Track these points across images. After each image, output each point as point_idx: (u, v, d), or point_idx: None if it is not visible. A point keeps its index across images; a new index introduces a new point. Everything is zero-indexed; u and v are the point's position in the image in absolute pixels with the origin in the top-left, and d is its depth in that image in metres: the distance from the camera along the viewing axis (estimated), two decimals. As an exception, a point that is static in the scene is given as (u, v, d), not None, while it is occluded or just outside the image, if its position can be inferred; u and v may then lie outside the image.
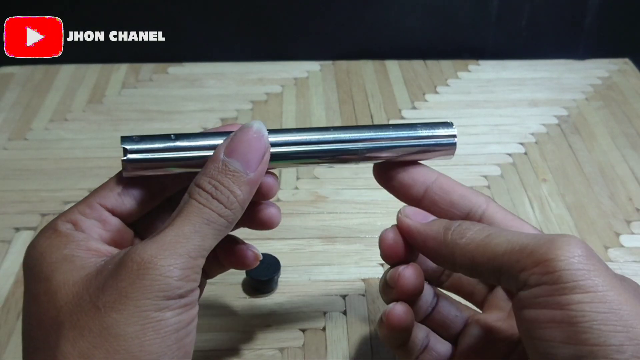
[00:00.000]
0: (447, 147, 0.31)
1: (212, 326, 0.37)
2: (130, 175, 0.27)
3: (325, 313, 0.38)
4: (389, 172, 0.31)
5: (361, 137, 0.30)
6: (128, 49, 0.61)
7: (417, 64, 0.62)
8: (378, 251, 0.42)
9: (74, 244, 0.25)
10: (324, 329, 0.37)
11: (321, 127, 0.30)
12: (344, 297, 0.39)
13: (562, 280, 0.23)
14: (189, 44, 0.62)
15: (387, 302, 0.30)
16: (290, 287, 0.40)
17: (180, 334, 0.24)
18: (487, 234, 0.26)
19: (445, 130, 0.31)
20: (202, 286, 0.32)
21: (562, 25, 0.62)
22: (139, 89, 0.58)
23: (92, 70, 0.60)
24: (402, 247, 0.29)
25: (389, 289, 0.30)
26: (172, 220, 0.25)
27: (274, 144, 0.28)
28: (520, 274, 0.24)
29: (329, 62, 0.62)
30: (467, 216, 0.29)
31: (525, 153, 0.51)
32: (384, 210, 0.45)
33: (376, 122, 0.54)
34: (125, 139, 0.27)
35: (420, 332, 0.31)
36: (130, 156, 0.26)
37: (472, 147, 0.52)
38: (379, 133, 0.30)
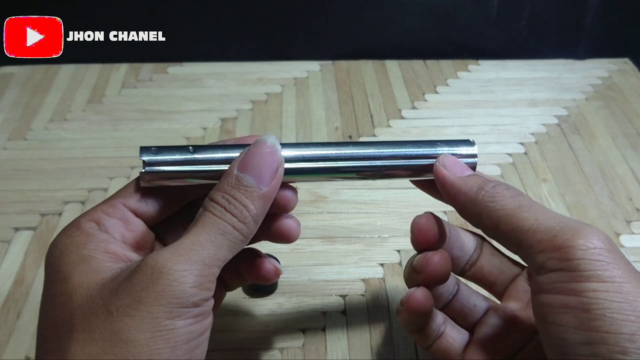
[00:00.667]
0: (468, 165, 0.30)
1: (212, 326, 0.37)
2: (147, 186, 0.27)
3: (325, 313, 0.38)
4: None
5: (379, 154, 0.29)
6: (128, 49, 0.61)
7: (417, 64, 0.62)
8: (378, 251, 0.42)
9: (94, 245, 0.25)
10: (324, 329, 0.37)
11: (338, 142, 0.30)
12: (344, 297, 0.39)
13: (580, 268, 0.23)
14: (189, 44, 0.62)
15: (410, 288, 0.31)
16: (290, 287, 0.40)
17: (191, 344, 0.24)
18: (517, 204, 0.26)
19: (467, 148, 0.30)
20: (220, 297, 0.32)
21: (562, 25, 0.62)
22: (139, 89, 0.58)
23: (92, 70, 0.60)
24: (433, 234, 0.30)
25: (416, 274, 0.30)
26: (187, 231, 0.25)
27: (290, 159, 0.28)
28: (538, 255, 0.24)
29: (329, 62, 0.62)
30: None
31: (525, 153, 0.51)
32: (384, 210, 0.45)
33: (376, 122, 0.54)
34: (143, 150, 0.27)
35: (438, 318, 0.31)
36: (148, 168, 0.27)
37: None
38: (398, 150, 0.30)
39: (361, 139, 0.52)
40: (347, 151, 0.29)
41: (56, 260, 0.25)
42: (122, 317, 0.23)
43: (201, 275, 0.24)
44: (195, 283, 0.24)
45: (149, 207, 0.28)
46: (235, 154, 0.27)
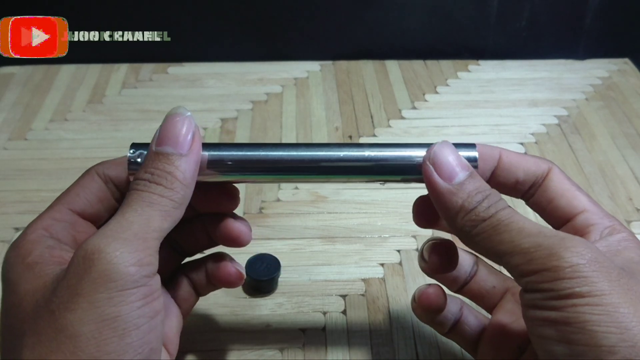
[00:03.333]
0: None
1: (212, 326, 0.37)
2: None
3: (325, 313, 0.38)
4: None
5: (377, 157, 0.28)
6: (128, 49, 0.61)
7: (417, 64, 0.62)
8: (378, 251, 0.42)
9: (38, 251, 0.25)
10: (324, 329, 0.37)
11: (342, 144, 0.29)
12: (344, 297, 0.39)
13: (558, 288, 0.23)
14: (189, 44, 0.62)
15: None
16: (290, 287, 0.40)
17: (143, 329, 0.23)
18: (493, 226, 0.25)
19: (468, 152, 0.28)
20: (191, 301, 0.31)
21: (562, 25, 0.62)
22: (139, 89, 0.58)
23: (92, 70, 0.60)
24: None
25: (424, 262, 0.31)
26: (115, 213, 0.25)
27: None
28: (518, 279, 0.24)
29: (329, 62, 0.62)
30: (532, 187, 0.29)
31: (526, 153, 0.51)
32: (384, 210, 0.45)
33: (376, 123, 0.54)
34: (134, 147, 0.28)
35: (453, 306, 0.32)
36: (132, 168, 0.27)
37: (472, 147, 0.52)
38: (397, 152, 0.28)
39: (361, 139, 0.52)
40: (350, 153, 0.28)
41: (6, 273, 0.25)
42: (64, 313, 0.22)
43: (136, 250, 0.23)
44: (132, 260, 0.23)
45: (94, 208, 0.28)
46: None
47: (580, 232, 0.27)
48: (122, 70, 0.60)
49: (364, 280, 0.40)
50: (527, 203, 0.30)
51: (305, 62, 0.62)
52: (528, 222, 0.25)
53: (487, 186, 0.27)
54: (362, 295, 0.39)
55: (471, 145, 0.29)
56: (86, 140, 0.52)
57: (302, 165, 0.28)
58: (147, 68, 0.60)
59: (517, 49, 0.63)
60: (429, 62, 0.62)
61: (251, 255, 0.39)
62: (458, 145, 0.28)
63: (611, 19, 0.62)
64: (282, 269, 0.39)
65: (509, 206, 0.26)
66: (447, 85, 0.59)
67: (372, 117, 0.55)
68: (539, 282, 0.23)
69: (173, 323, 0.29)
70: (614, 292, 0.22)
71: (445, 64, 0.62)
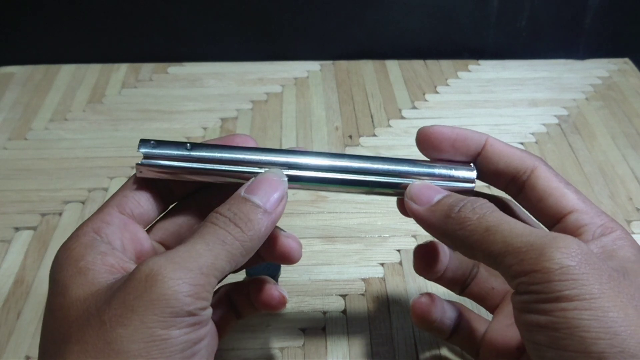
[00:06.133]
0: (464, 191, 0.29)
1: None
2: (143, 177, 0.28)
3: (325, 313, 0.38)
4: (438, 144, 0.30)
5: (373, 169, 0.29)
6: (128, 49, 0.61)
7: (417, 64, 0.62)
8: (378, 251, 0.42)
9: (91, 257, 0.25)
10: (324, 329, 0.37)
11: (336, 154, 0.30)
12: (344, 297, 0.39)
13: (547, 290, 0.22)
14: (189, 44, 0.62)
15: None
16: (290, 287, 0.40)
17: (187, 353, 0.23)
18: (484, 228, 0.25)
19: (465, 172, 0.29)
20: (230, 324, 0.32)
21: (562, 25, 0.62)
22: (139, 89, 0.58)
23: (92, 70, 0.60)
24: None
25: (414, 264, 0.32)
26: (186, 239, 0.25)
27: (298, 166, 0.28)
28: (510, 280, 0.24)
29: (329, 62, 0.62)
30: (513, 180, 0.29)
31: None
32: (384, 210, 0.45)
33: (376, 122, 0.54)
34: (142, 143, 0.28)
35: (451, 312, 0.32)
36: (144, 161, 0.27)
37: (472, 147, 0.52)
38: (394, 167, 0.29)
39: (361, 139, 0.52)
40: (345, 163, 0.29)
41: (56, 274, 0.25)
42: (115, 327, 0.22)
43: (197, 284, 0.23)
44: (190, 292, 0.23)
45: (144, 208, 0.28)
46: (231, 154, 0.28)
47: (572, 233, 0.27)
48: (122, 70, 0.60)
49: (364, 280, 0.40)
50: (517, 200, 0.30)
51: (305, 62, 0.62)
52: (519, 223, 0.25)
53: (468, 197, 0.27)
54: (362, 295, 0.39)
55: (468, 166, 0.29)
56: (86, 140, 0.52)
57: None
58: (147, 68, 0.60)
59: (517, 49, 0.63)
60: (429, 62, 0.62)
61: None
62: (457, 164, 0.29)
63: (611, 19, 0.62)
64: (282, 268, 0.39)
65: (498, 209, 0.26)
66: (447, 85, 0.59)
67: (372, 117, 0.55)
68: (529, 284, 0.23)
69: (211, 345, 0.29)
70: (604, 295, 0.22)
71: (445, 64, 0.62)
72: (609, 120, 0.55)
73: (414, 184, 0.29)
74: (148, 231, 0.29)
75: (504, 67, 0.62)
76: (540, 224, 0.29)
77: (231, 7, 0.59)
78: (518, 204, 0.30)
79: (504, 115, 0.55)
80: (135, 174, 0.28)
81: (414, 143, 0.55)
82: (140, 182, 0.28)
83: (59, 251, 0.26)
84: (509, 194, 0.30)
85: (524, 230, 0.24)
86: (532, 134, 0.53)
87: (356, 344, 0.36)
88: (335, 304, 0.39)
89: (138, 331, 0.22)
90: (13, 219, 0.44)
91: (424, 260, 0.32)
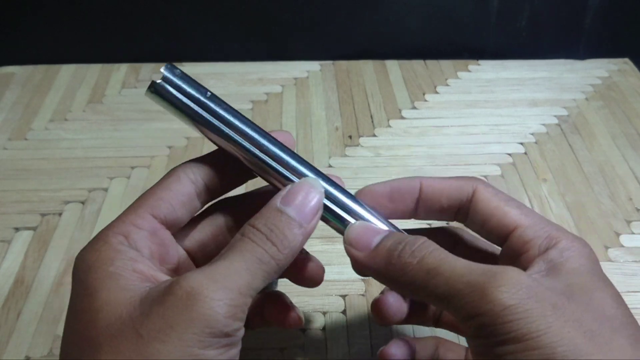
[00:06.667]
0: None
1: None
2: (150, 97, 0.27)
3: (325, 313, 0.38)
4: (376, 203, 0.30)
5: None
6: (128, 49, 0.61)
7: (417, 64, 0.62)
8: (378, 251, 0.42)
9: (121, 262, 0.24)
10: (324, 329, 0.37)
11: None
12: (344, 297, 0.39)
13: (496, 333, 0.22)
14: (189, 44, 0.62)
15: None
16: (291, 288, 0.40)
17: None
18: (426, 271, 0.25)
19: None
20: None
21: (562, 25, 0.62)
22: (139, 89, 0.58)
23: (92, 70, 0.60)
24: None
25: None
26: (223, 254, 0.25)
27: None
28: (462, 323, 0.24)
29: (329, 62, 0.62)
30: (459, 209, 0.29)
31: (525, 153, 0.51)
32: (384, 210, 0.45)
33: (376, 123, 0.54)
34: (169, 67, 0.27)
35: (428, 348, 0.31)
36: (161, 82, 0.26)
37: (472, 147, 0.52)
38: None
39: (361, 140, 0.52)
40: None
41: (83, 275, 0.24)
42: (153, 341, 0.22)
43: (235, 305, 0.23)
44: (229, 313, 0.23)
45: (177, 215, 0.27)
46: (242, 125, 0.27)
47: (519, 251, 0.26)
48: (122, 70, 0.60)
49: (364, 280, 0.40)
50: (466, 225, 0.29)
51: (305, 62, 0.62)
52: (460, 261, 0.24)
53: (407, 236, 0.27)
54: (362, 295, 0.39)
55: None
56: (86, 140, 0.52)
57: None
58: (147, 68, 0.60)
59: (517, 49, 0.63)
60: (429, 62, 0.62)
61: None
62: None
63: (611, 19, 0.62)
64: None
65: (438, 247, 0.25)
66: (447, 85, 0.59)
67: (372, 117, 0.55)
68: (477, 328, 0.23)
69: None
70: (550, 330, 0.21)
71: (445, 64, 0.62)
72: (609, 120, 0.55)
73: (352, 225, 0.28)
74: (180, 240, 0.28)
75: (504, 67, 0.62)
76: (493, 244, 0.29)
77: (231, 7, 0.59)
78: (468, 230, 0.30)
79: (504, 116, 0.55)
80: (169, 175, 0.27)
81: (414, 143, 0.56)
82: (177, 184, 0.27)
83: (85, 252, 0.25)
84: (460, 222, 0.30)
85: (464, 269, 0.24)
86: (532, 134, 0.53)
87: (356, 344, 0.36)
88: (335, 304, 0.39)
89: (176, 348, 0.22)
90: (13, 219, 0.44)
91: (383, 311, 0.31)
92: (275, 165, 0.28)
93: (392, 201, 0.30)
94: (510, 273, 0.23)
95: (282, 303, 0.31)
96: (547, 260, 0.25)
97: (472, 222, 0.29)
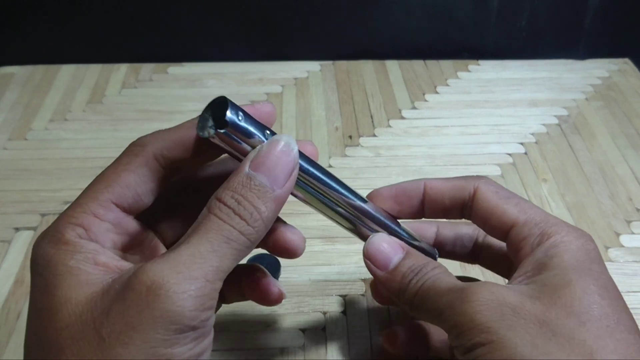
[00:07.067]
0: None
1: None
2: (213, 142, 0.24)
3: (325, 313, 0.38)
4: (382, 204, 0.31)
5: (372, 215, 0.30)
6: (128, 49, 0.61)
7: (417, 64, 0.62)
8: (378, 251, 0.42)
9: (82, 255, 0.23)
10: (324, 329, 0.37)
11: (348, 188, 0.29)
12: (344, 297, 0.39)
13: (465, 340, 0.24)
14: (189, 44, 0.62)
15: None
16: (290, 287, 0.40)
17: None
18: (421, 297, 0.27)
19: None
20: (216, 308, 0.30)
21: (562, 25, 0.62)
22: (139, 89, 0.58)
23: (92, 70, 0.60)
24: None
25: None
26: (187, 237, 0.23)
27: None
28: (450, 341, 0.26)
29: (329, 62, 0.62)
30: (463, 208, 0.30)
31: (525, 153, 0.51)
32: (384, 210, 0.45)
33: (376, 123, 0.54)
34: (232, 108, 0.24)
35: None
36: (227, 130, 0.24)
37: (472, 147, 0.52)
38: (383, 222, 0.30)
39: (361, 140, 0.52)
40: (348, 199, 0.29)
41: (42, 270, 0.23)
42: (115, 344, 0.21)
43: (202, 294, 0.21)
44: (195, 305, 0.21)
45: (142, 199, 0.25)
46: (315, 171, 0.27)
47: (517, 248, 0.27)
48: (122, 70, 0.60)
49: (364, 280, 0.40)
50: (473, 223, 0.30)
51: (305, 62, 0.62)
52: (445, 281, 0.27)
53: (422, 260, 0.28)
54: (362, 295, 0.39)
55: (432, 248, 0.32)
56: (86, 140, 0.52)
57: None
58: (147, 68, 0.60)
59: (517, 49, 0.63)
60: (429, 62, 0.62)
61: (251, 255, 0.39)
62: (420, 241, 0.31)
63: (611, 19, 0.62)
64: (282, 269, 0.39)
65: (437, 269, 0.27)
66: (447, 85, 0.59)
67: (372, 117, 0.55)
68: (454, 337, 0.25)
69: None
70: (509, 332, 0.23)
71: (445, 64, 0.62)
72: (609, 120, 0.55)
73: (372, 238, 0.29)
74: (147, 218, 0.27)
75: (504, 67, 0.62)
76: (499, 241, 0.30)
77: (231, 7, 0.59)
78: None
79: (503, 116, 0.55)
80: (134, 152, 0.25)
81: (414, 143, 0.56)
82: (145, 167, 0.25)
83: (41, 245, 0.23)
84: (467, 219, 0.30)
85: (446, 289, 0.26)
86: (532, 134, 0.53)
87: (356, 344, 0.36)
88: (335, 304, 0.39)
89: (140, 351, 0.21)
90: (13, 219, 0.44)
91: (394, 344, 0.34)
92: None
93: (398, 203, 0.31)
94: (476, 286, 0.25)
95: (262, 277, 0.29)
96: (534, 259, 0.26)
97: (475, 220, 0.29)
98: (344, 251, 0.42)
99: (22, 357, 0.36)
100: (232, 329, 0.37)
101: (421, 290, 0.27)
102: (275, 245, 0.28)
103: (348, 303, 0.39)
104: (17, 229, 0.44)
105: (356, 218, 0.29)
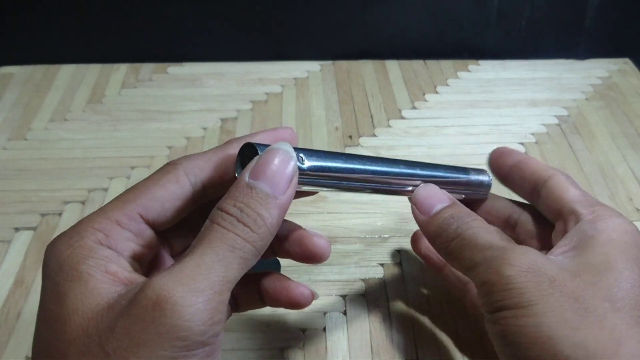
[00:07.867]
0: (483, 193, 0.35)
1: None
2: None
3: (325, 313, 0.38)
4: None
5: (412, 174, 0.31)
6: (128, 49, 0.61)
7: (417, 64, 0.62)
8: (378, 251, 0.42)
9: (94, 262, 0.22)
10: (324, 329, 0.37)
11: (362, 156, 0.29)
12: (344, 297, 0.39)
13: (493, 300, 0.24)
14: (189, 44, 0.62)
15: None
16: (290, 287, 0.40)
17: None
18: (458, 245, 0.28)
19: (479, 175, 0.35)
20: (227, 315, 0.29)
21: (562, 25, 0.62)
22: (139, 89, 0.58)
23: (92, 70, 0.60)
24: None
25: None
26: (191, 248, 0.22)
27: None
28: (478, 294, 0.26)
29: (329, 62, 0.62)
30: (534, 189, 0.31)
31: (526, 153, 0.51)
32: (384, 210, 0.45)
33: (376, 123, 0.54)
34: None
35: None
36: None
37: (472, 147, 0.52)
38: (433, 172, 0.32)
39: (361, 139, 0.52)
40: (376, 167, 0.29)
41: (53, 273, 0.23)
42: None
43: (210, 308, 0.21)
44: (203, 319, 0.21)
45: (168, 215, 0.25)
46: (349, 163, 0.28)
47: (565, 222, 0.28)
48: (122, 70, 0.60)
49: (364, 280, 0.40)
50: (536, 206, 0.32)
51: (305, 62, 0.62)
52: (485, 237, 0.27)
53: (465, 211, 0.29)
54: (362, 295, 0.39)
55: (482, 171, 0.34)
56: (86, 140, 0.52)
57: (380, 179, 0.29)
58: (147, 68, 0.60)
59: (517, 49, 0.63)
60: (429, 62, 0.62)
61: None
62: (471, 170, 0.34)
63: (611, 19, 0.62)
64: (282, 269, 0.39)
65: (480, 222, 0.28)
66: (447, 85, 0.59)
67: (372, 117, 0.55)
68: (484, 294, 0.25)
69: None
70: (542, 301, 0.23)
71: (445, 64, 0.62)
72: (609, 121, 0.55)
73: (420, 188, 0.31)
74: (164, 236, 0.27)
75: (504, 67, 0.62)
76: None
77: (231, 7, 0.59)
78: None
79: (504, 116, 0.55)
80: (167, 170, 0.25)
81: (414, 143, 0.56)
82: (175, 185, 0.25)
83: (58, 245, 0.23)
84: (533, 202, 0.32)
85: (485, 244, 0.26)
86: (532, 134, 0.53)
87: (356, 344, 0.36)
88: (335, 304, 0.39)
89: None
90: (13, 219, 0.44)
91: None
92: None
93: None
94: (519, 250, 0.25)
95: (288, 282, 0.29)
96: (579, 231, 0.27)
97: (541, 200, 0.31)
98: (343, 251, 0.42)
99: (22, 357, 0.36)
100: (232, 329, 0.37)
101: (459, 238, 0.27)
102: (304, 252, 0.28)
103: (348, 303, 0.39)
104: (17, 229, 0.44)
105: (397, 185, 0.30)
